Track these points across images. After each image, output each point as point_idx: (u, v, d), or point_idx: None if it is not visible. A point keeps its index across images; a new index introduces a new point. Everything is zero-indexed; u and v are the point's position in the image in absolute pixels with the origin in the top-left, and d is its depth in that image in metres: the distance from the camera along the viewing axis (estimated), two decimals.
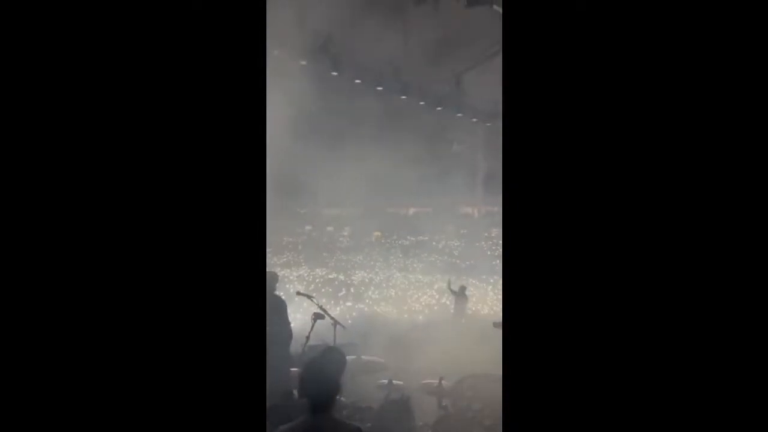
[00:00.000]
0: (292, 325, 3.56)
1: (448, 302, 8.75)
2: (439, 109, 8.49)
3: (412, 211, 13.92)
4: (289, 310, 3.64)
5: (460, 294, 7.13)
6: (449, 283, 7.43)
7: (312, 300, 3.46)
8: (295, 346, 3.43)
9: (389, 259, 12.02)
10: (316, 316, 3.30)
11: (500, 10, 5.49)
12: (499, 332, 2.80)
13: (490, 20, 5.80)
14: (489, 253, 11.16)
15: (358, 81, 7.28)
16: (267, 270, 3.03)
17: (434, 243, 12.53)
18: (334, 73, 6.87)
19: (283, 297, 3.66)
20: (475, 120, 9.40)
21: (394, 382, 2.99)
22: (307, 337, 3.24)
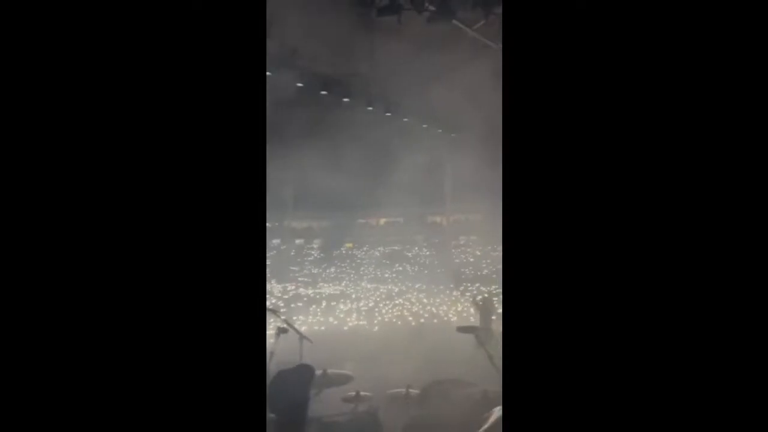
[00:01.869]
0: None
1: (421, 311, 8.83)
2: (405, 120, 8.68)
3: (382, 221, 14.05)
4: None
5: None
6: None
7: (276, 314, 3.41)
8: None
9: (360, 270, 12.02)
10: (280, 331, 3.25)
11: (460, 25, 5.71)
12: (464, 337, 2.83)
13: (451, 35, 6.00)
14: (458, 260, 11.40)
15: (324, 92, 7.34)
16: None
17: (405, 252, 12.67)
18: (300, 84, 6.89)
19: None
20: (440, 131, 9.66)
21: (362, 393, 2.98)
22: (272, 352, 3.18)
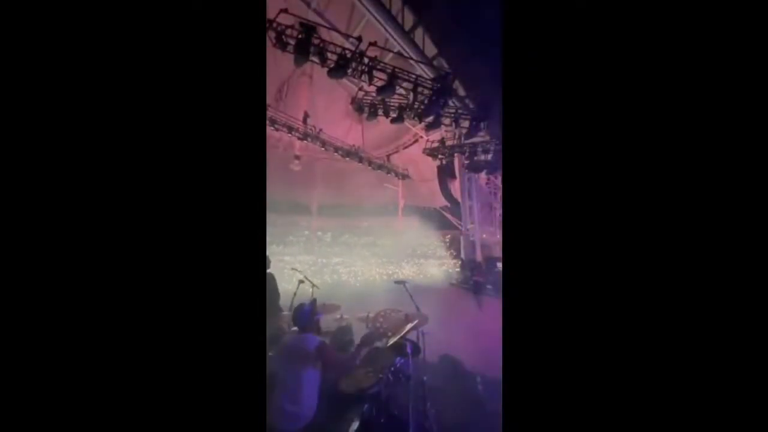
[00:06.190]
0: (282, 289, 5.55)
1: (381, 271, 13.42)
2: None
3: None
4: (280, 280, 5.85)
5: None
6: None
7: (298, 271, 5.76)
8: (285, 300, 5.57)
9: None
10: (300, 282, 5.60)
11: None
12: (398, 285, 5.21)
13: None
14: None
15: None
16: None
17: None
18: None
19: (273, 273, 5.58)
20: None
21: (344, 316, 5.15)
22: (294, 294, 5.49)
